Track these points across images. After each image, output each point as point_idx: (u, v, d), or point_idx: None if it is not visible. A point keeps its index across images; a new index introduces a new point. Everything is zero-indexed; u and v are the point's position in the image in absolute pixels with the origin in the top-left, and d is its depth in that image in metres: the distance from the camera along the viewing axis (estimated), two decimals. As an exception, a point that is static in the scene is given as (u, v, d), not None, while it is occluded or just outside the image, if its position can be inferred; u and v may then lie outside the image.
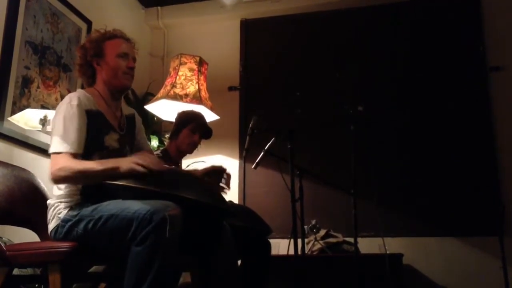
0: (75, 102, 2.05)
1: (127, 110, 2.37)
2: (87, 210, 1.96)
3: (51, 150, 2.01)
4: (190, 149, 3.00)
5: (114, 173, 1.94)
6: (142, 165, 1.92)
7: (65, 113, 2.03)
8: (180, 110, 3.16)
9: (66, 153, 1.97)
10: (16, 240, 2.45)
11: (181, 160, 3.09)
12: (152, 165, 1.94)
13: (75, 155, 1.99)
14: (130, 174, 1.93)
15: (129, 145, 2.28)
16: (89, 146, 2.06)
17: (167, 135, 3.11)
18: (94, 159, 2.05)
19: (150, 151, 2.44)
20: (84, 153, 2.04)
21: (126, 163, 1.94)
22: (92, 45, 2.19)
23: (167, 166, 2.17)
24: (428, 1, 4.21)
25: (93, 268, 2.47)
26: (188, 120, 2.96)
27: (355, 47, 4.28)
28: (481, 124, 3.86)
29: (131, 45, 2.29)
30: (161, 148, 3.11)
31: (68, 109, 2.04)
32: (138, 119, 2.42)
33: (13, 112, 2.98)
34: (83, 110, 2.06)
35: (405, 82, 4.10)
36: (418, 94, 4.04)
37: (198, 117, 3.01)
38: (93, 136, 2.08)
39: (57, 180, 1.98)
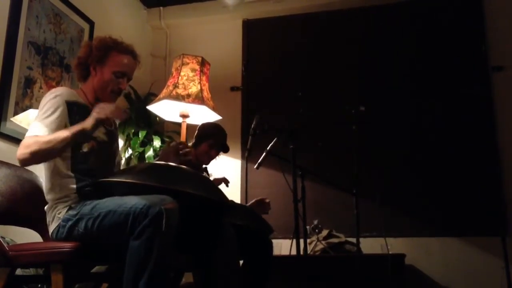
0: (54, 93, 2.07)
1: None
2: (86, 209, 1.97)
3: (26, 135, 2.00)
4: (206, 161, 3.08)
5: (82, 134, 1.95)
6: (104, 113, 1.96)
7: (43, 102, 2.06)
8: (207, 122, 3.30)
9: (36, 136, 1.94)
10: (19, 240, 2.46)
11: (201, 166, 3.13)
12: (113, 113, 1.98)
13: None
14: (127, 171, 1.95)
15: (116, 142, 2.31)
16: None
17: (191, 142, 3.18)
18: (83, 149, 2.07)
19: (119, 161, 2.45)
20: (73, 145, 2.04)
21: (89, 120, 1.96)
22: (97, 51, 2.19)
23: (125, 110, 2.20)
24: (429, 1, 4.20)
25: (95, 268, 2.48)
26: (208, 135, 3.04)
27: (357, 47, 4.28)
28: (484, 124, 3.85)
29: (135, 64, 2.28)
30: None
31: (46, 99, 2.06)
32: (118, 133, 2.47)
33: (16, 113, 2.99)
34: (63, 100, 2.06)
35: (407, 82, 4.10)
36: (420, 94, 4.04)
37: (218, 134, 3.08)
38: None
39: (24, 158, 1.89)
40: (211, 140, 3.02)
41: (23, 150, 1.89)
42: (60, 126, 2.01)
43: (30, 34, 3.19)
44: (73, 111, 2.07)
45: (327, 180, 3.40)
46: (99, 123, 1.96)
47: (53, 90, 2.12)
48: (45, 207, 2.12)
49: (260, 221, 2.76)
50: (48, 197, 2.11)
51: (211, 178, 3.02)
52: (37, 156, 1.91)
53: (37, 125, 1.99)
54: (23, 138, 2.95)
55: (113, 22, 4.16)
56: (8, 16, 3.04)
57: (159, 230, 1.76)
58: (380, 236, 3.43)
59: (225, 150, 3.11)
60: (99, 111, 1.97)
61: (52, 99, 2.05)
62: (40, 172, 2.21)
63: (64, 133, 1.93)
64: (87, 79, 2.24)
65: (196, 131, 3.12)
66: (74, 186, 2.06)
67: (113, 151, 2.27)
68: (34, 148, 1.88)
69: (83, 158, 2.09)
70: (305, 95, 4.20)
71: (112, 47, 2.21)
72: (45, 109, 2.03)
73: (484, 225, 3.65)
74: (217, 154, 3.08)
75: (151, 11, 4.73)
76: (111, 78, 2.19)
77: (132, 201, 1.84)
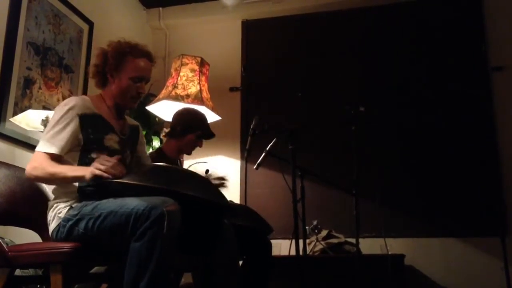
0: (68, 106, 2.08)
1: (131, 121, 2.40)
2: (87, 209, 1.96)
3: (36, 149, 2.06)
4: (190, 151, 2.99)
5: (80, 180, 2.00)
6: (102, 170, 1.91)
7: (56, 115, 2.07)
8: (184, 109, 3.11)
9: (45, 153, 2.01)
10: (18, 241, 2.45)
11: (179, 158, 3.07)
12: (112, 169, 1.92)
13: (53, 156, 2.01)
14: (128, 172, 1.95)
15: (130, 150, 2.29)
16: (88, 145, 2.09)
17: (165, 130, 3.05)
18: (92, 156, 2.07)
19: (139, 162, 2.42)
20: (82, 151, 2.08)
21: (88, 171, 1.93)
22: (113, 59, 2.17)
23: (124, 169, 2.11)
24: (429, 1, 4.20)
25: (95, 269, 2.48)
26: (195, 126, 2.91)
27: (356, 47, 4.28)
28: (483, 124, 3.85)
29: (152, 65, 2.27)
30: (156, 148, 3.10)
31: (59, 112, 2.07)
32: (141, 132, 2.45)
33: (15, 113, 2.98)
34: (76, 114, 2.07)
35: (407, 82, 4.10)
36: (420, 94, 4.04)
37: (204, 123, 2.97)
38: (91, 137, 2.09)
39: (29, 177, 2.03)
40: (199, 131, 2.91)
41: (31, 170, 2.01)
42: (71, 142, 2.05)
43: (30, 34, 3.19)
44: (86, 124, 2.09)
45: (327, 180, 3.40)
46: (96, 178, 1.92)
47: (67, 101, 2.12)
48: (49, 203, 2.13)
49: (259, 221, 2.76)
50: (51, 194, 2.13)
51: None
52: (38, 180, 2.16)
53: (47, 141, 2.02)
54: (23, 138, 3.00)
55: (112, 22, 4.16)
56: (8, 17, 3.03)
57: (161, 232, 1.76)
58: (380, 236, 3.42)
59: (212, 136, 3.02)
60: (98, 167, 1.92)
61: (65, 113, 2.05)
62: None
63: (66, 173, 1.98)
64: (105, 86, 2.24)
65: (175, 120, 2.96)
66: (76, 185, 2.07)
67: (124, 159, 2.21)
68: (38, 173, 2.00)
69: (91, 162, 2.08)
70: (305, 95, 4.19)
71: (128, 53, 2.19)
72: (56, 123, 2.04)
73: (484, 226, 3.65)
74: (202, 143, 2.99)
75: (151, 12, 4.72)
76: (129, 84, 2.18)
77: (134, 203, 1.83)
